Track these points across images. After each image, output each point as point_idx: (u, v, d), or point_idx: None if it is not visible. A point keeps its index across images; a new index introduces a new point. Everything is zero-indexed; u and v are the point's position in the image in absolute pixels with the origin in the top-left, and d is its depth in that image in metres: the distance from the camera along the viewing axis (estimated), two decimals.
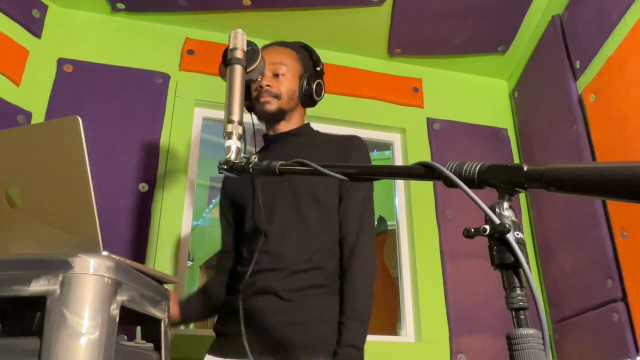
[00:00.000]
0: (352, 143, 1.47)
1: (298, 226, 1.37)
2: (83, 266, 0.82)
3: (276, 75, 1.44)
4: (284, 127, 1.50)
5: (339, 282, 1.37)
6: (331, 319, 1.32)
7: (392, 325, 2.77)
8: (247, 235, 1.42)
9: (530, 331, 0.58)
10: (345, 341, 1.26)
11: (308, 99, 1.50)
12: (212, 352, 1.36)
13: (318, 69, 1.55)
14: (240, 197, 1.48)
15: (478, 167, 0.68)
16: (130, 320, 1.04)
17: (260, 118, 1.51)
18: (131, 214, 2.02)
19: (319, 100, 1.53)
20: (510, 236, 0.61)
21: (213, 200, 4.42)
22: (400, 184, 2.48)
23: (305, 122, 1.56)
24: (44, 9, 2.20)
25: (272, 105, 1.44)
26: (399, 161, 2.53)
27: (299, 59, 1.51)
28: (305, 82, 1.48)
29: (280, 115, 1.47)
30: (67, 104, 2.11)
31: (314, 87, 1.49)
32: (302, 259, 1.34)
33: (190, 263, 4.36)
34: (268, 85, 1.42)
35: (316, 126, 2.43)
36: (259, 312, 1.31)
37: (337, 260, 1.38)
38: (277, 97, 1.44)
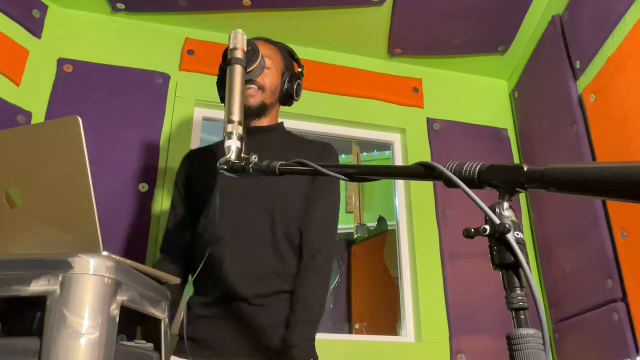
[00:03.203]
0: (326, 150, 1.50)
1: (267, 230, 1.38)
2: (83, 266, 0.82)
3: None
4: (259, 122, 1.51)
5: None
6: None
7: (392, 325, 2.77)
8: (208, 235, 1.40)
9: (530, 331, 0.57)
10: (294, 342, 1.26)
11: (287, 97, 1.51)
12: (178, 354, 1.35)
13: (299, 70, 1.57)
14: (202, 190, 1.46)
15: (478, 167, 0.68)
16: (130, 320, 1.04)
17: None
18: (131, 214, 2.02)
19: (297, 100, 1.55)
20: (510, 236, 0.61)
21: None
22: (400, 184, 2.48)
23: (280, 121, 1.57)
24: (44, 9, 2.20)
25: (255, 99, 1.45)
26: (399, 161, 2.53)
27: (282, 57, 1.53)
28: (287, 80, 1.50)
29: (262, 110, 1.48)
30: (67, 104, 2.11)
31: (295, 86, 1.50)
32: (269, 265, 1.36)
33: None
34: (259, 76, 1.42)
35: (316, 126, 2.44)
36: (229, 318, 1.33)
37: (296, 264, 1.39)
38: (261, 88, 1.45)
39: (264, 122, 1.51)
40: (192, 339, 1.35)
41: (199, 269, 1.29)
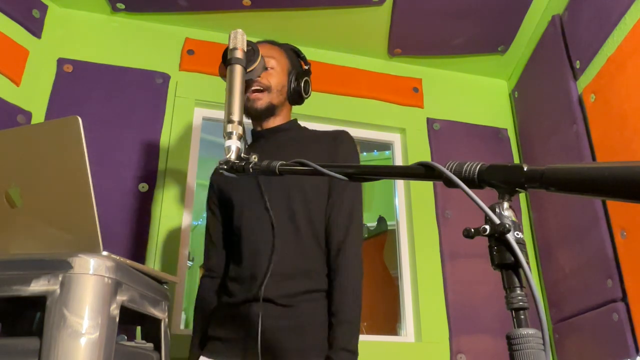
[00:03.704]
0: (340, 137, 1.48)
1: (290, 229, 1.37)
2: (83, 266, 0.82)
3: (265, 69, 1.44)
4: (272, 122, 1.50)
5: (327, 283, 1.37)
6: (325, 322, 1.32)
7: (392, 325, 2.77)
8: (238, 238, 1.41)
9: (530, 331, 0.57)
10: (340, 345, 1.26)
11: (296, 95, 1.50)
12: (207, 354, 1.36)
13: (306, 67, 1.56)
14: (231, 201, 1.47)
15: (478, 167, 0.68)
16: (130, 320, 1.04)
17: (249, 114, 1.48)
18: (131, 214, 2.02)
19: (307, 98, 1.54)
20: (510, 236, 0.61)
21: None
22: (400, 184, 2.48)
23: (293, 119, 1.57)
24: (44, 9, 2.20)
25: (262, 102, 1.44)
26: (399, 161, 2.53)
27: (287, 57, 1.53)
28: (293, 78, 1.50)
29: (270, 112, 1.47)
30: (67, 104, 2.11)
31: (302, 84, 1.50)
32: (294, 264, 1.35)
33: (191, 263, 4.36)
34: (258, 77, 1.42)
35: (316, 126, 2.44)
36: (254, 318, 1.31)
37: (325, 261, 1.39)
38: (267, 89, 1.44)
39: (276, 122, 1.50)
40: (219, 339, 1.35)
41: (265, 281, 1.30)
